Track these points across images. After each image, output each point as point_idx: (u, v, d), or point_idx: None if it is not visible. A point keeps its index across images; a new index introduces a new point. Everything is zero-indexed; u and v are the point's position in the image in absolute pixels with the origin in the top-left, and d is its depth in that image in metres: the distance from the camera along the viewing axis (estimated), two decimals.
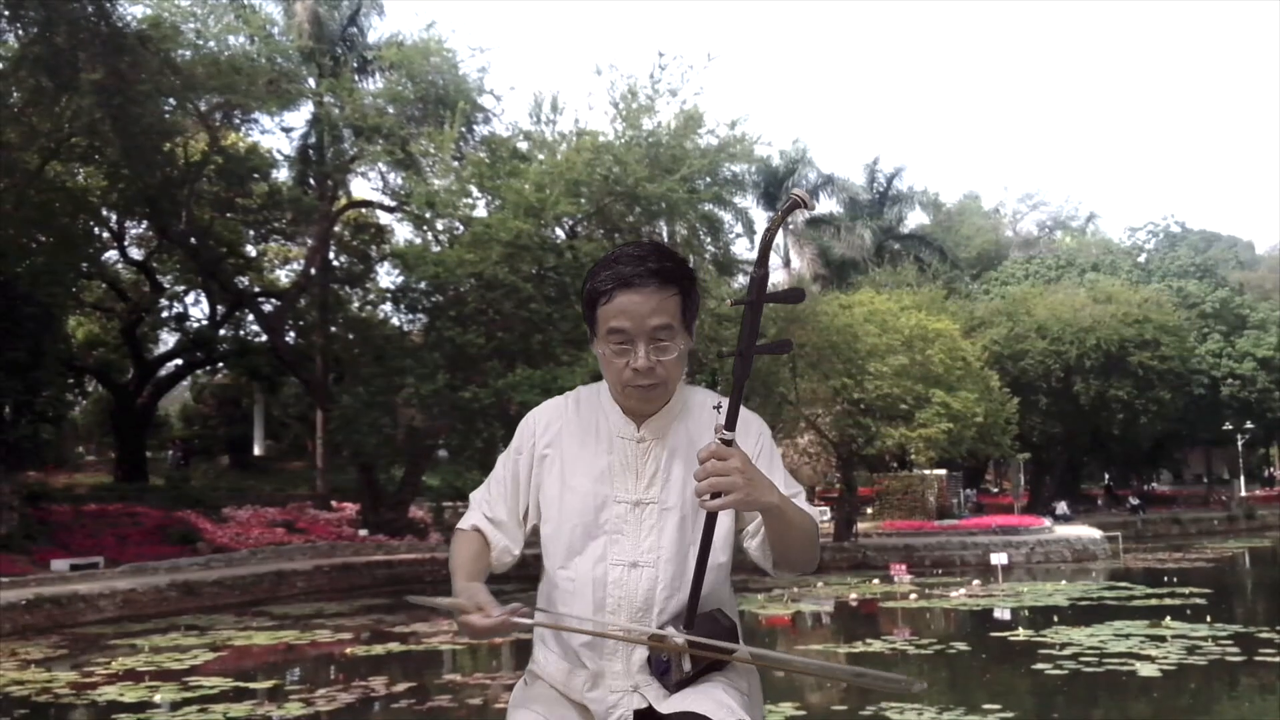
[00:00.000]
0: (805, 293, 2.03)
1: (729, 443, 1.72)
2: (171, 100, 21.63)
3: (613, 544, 1.88)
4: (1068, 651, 10.82)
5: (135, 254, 28.62)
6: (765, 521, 1.82)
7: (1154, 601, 15.18)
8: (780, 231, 44.13)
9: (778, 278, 38.66)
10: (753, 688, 1.92)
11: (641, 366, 1.83)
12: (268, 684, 10.12)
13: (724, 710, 1.72)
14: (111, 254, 28.04)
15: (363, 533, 23.74)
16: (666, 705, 1.78)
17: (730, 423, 1.75)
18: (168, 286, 29.37)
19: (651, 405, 1.91)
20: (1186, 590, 16.63)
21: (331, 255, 27.58)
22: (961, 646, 12.11)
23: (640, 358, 1.82)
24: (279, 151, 27.71)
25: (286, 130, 26.62)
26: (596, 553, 1.88)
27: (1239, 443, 41.19)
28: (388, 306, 26.74)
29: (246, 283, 28.54)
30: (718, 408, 1.84)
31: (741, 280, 30.50)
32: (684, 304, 1.85)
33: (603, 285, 1.84)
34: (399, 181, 25.87)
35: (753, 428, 1.94)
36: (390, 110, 24.55)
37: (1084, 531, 26.95)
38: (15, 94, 20.09)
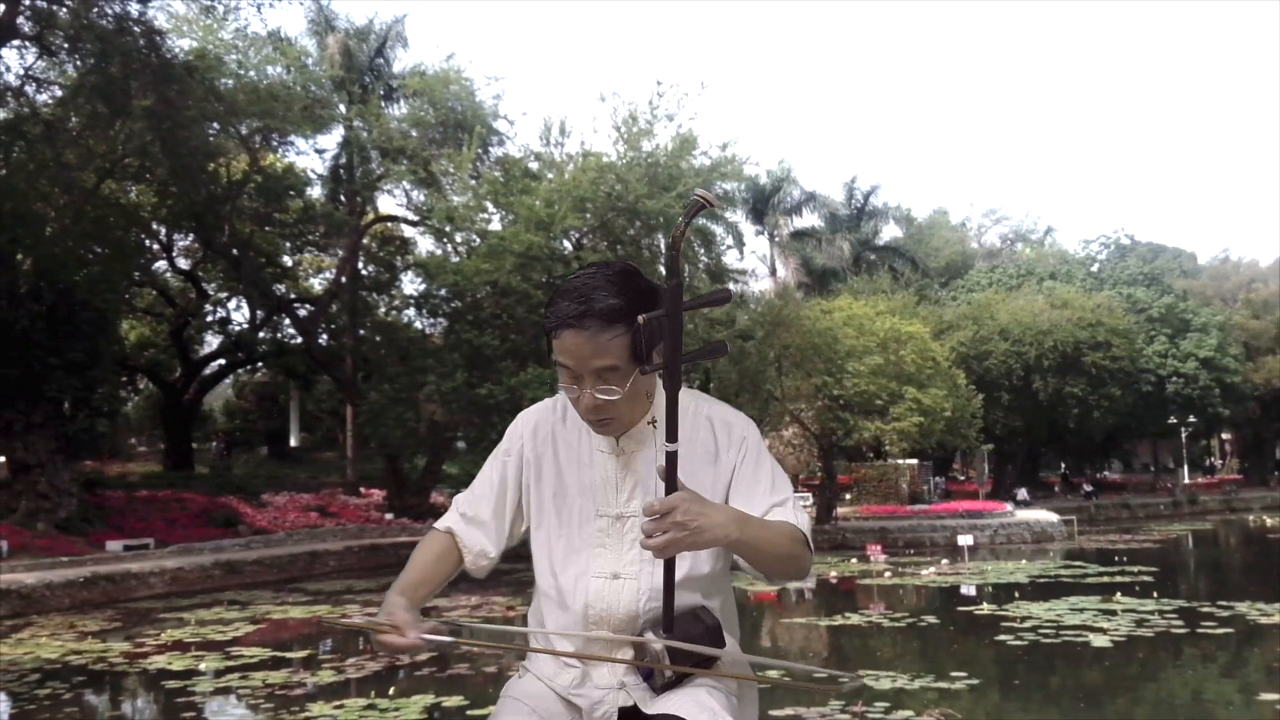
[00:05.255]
0: (731, 293, 1.63)
1: (673, 454, 1.50)
2: (215, 125, 21.68)
3: (596, 557, 1.72)
4: (1027, 624, 10.84)
5: (182, 264, 28.59)
6: (733, 550, 1.61)
7: (1106, 579, 15.19)
8: (768, 243, 44.07)
9: (764, 285, 38.59)
10: (744, 686, 1.76)
11: (585, 407, 1.63)
12: (302, 654, 10.12)
13: (706, 713, 1.56)
14: (161, 264, 28.04)
15: (389, 517, 23.73)
16: (651, 706, 1.63)
17: (671, 434, 1.50)
18: (212, 293, 29.34)
19: (608, 434, 1.71)
20: (1135, 569, 16.66)
21: (360, 265, 27.58)
22: (931, 620, 12.11)
23: (585, 396, 1.62)
24: (313, 171, 27.76)
25: (319, 152, 26.78)
26: (581, 566, 1.72)
27: (1183, 435, 41.25)
28: (411, 311, 26.73)
29: (283, 290, 28.50)
30: (652, 423, 1.64)
31: (733, 286, 30.53)
32: (634, 341, 1.56)
33: (548, 323, 1.61)
34: (421, 198, 25.88)
35: (735, 431, 1.73)
36: (414, 133, 24.57)
37: (1042, 515, 26.95)
38: (74, 119, 20.15)
